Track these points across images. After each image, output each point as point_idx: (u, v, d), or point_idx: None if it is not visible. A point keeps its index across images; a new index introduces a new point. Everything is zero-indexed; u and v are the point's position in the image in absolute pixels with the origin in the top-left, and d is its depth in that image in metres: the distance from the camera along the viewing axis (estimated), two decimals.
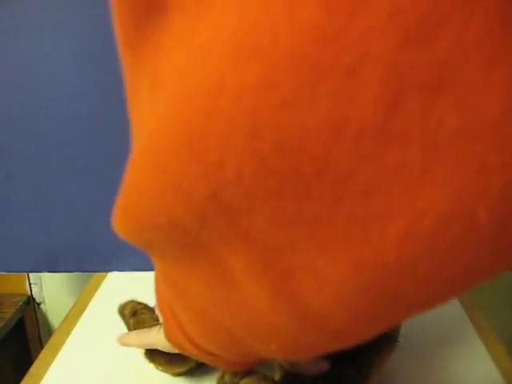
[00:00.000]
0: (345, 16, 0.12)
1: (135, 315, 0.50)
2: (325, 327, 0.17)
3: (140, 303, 0.52)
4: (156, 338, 0.42)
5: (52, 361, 0.54)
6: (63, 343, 0.57)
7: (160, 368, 0.48)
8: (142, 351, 0.48)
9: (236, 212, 0.15)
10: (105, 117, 0.67)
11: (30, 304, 1.06)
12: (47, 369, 0.53)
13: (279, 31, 0.12)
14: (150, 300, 0.50)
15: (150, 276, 0.69)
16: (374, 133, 0.13)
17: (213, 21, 0.14)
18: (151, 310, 0.51)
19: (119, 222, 0.20)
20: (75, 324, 0.61)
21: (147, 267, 0.72)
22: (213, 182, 0.15)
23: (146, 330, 0.46)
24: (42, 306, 1.08)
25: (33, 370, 0.54)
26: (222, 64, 0.13)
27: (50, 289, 1.06)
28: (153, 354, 0.48)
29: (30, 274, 1.05)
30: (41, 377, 0.52)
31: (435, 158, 0.13)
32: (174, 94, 0.15)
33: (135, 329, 0.48)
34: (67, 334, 0.59)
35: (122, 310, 0.52)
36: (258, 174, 0.14)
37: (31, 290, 1.07)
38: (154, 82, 0.16)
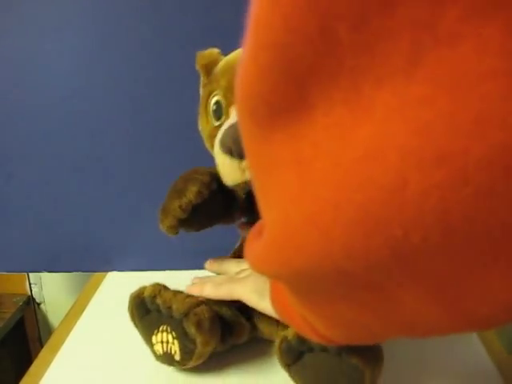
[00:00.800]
0: None
1: (159, 294, 0.48)
2: (484, 325, 0.21)
3: (158, 284, 0.50)
4: (247, 295, 0.46)
5: (51, 360, 0.54)
6: (63, 343, 0.57)
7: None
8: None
9: (415, 262, 0.18)
10: (105, 117, 0.68)
11: (30, 304, 1.06)
12: (46, 368, 0.53)
13: (467, 144, 0.15)
14: None
15: (149, 276, 0.69)
16: None
17: (374, 124, 0.16)
18: (168, 288, 0.50)
19: (266, 265, 0.24)
20: (75, 324, 0.61)
21: (147, 267, 0.73)
22: (396, 248, 0.17)
23: (223, 280, 0.49)
24: (41, 305, 1.08)
25: (32, 369, 0.54)
26: (402, 166, 0.16)
27: (50, 289, 1.06)
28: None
29: (30, 274, 1.05)
30: (40, 376, 0.52)
31: None
32: (336, 181, 0.18)
33: (158, 312, 0.48)
34: (67, 333, 0.59)
35: (136, 296, 0.49)
36: (445, 239, 0.16)
37: (31, 290, 1.07)
38: (298, 164, 0.19)
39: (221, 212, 0.51)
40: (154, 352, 0.49)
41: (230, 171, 0.45)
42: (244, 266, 0.51)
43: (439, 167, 0.15)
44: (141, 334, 0.50)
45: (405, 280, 0.19)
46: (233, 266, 0.53)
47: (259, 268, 0.25)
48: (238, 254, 0.56)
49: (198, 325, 0.46)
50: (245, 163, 0.44)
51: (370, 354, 0.42)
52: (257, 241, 0.25)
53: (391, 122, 0.16)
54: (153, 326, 0.48)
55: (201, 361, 0.49)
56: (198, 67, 0.51)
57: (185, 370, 0.51)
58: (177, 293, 0.48)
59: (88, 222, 0.72)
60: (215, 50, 0.50)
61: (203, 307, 0.48)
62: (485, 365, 0.50)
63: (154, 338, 0.48)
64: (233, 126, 0.44)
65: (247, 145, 0.23)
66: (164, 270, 0.72)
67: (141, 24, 0.64)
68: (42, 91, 0.67)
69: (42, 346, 0.60)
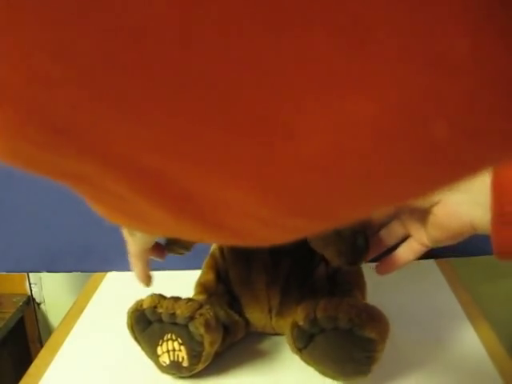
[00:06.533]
0: None
1: (159, 303, 0.47)
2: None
3: (154, 294, 0.49)
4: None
5: (51, 360, 0.54)
6: (62, 343, 0.57)
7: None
8: None
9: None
10: None
11: (30, 304, 1.06)
12: (46, 368, 0.53)
13: None
14: None
15: None
16: (259, 19, 0.10)
17: None
18: (165, 296, 0.49)
19: None
20: (74, 324, 0.61)
21: None
22: None
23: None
24: (42, 305, 1.08)
25: (32, 369, 0.54)
26: None
27: (50, 289, 1.06)
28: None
29: (30, 274, 1.05)
30: (40, 376, 0.52)
31: (358, 46, 0.10)
32: None
33: (160, 322, 0.47)
34: (67, 333, 0.59)
35: (135, 310, 0.48)
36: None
37: (31, 290, 1.07)
38: None
39: None
40: (159, 364, 0.49)
41: None
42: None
43: None
44: (144, 347, 0.50)
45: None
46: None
47: None
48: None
49: (207, 324, 0.46)
50: None
51: (380, 325, 0.43)
52: None
53: None
54: (156, 337, 0.48)
55: (207, 363, 0.49)
56: None
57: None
58: (177, 299, 0.48)
59: (88, 222, 0.72)
60: None
61: (206, 307, 0.48)
62: (485, 365, 0.50)
63: (159, 348, 0.48)
64: None
65: None
66: (164, 270, 0.72)
67: None
68: None
69: (42, 346, 0.60)
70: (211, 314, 0.48)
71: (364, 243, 0.47)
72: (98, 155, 0.13)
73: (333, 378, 0.47)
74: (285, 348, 0.54)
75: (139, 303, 0.49)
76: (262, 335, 0.55)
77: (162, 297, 0.48)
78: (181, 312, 0.46)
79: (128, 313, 0.49)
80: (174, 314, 0.47)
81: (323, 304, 0.45)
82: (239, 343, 0.53)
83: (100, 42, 0.10)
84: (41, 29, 0.10)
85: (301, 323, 0.45)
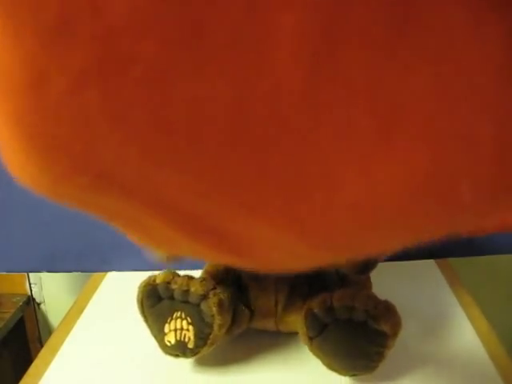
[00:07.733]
0: None
1: (173, 280, 0.47)
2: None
3: (169, 270, 0.49)
4: None
5: (51, 360, 0.54)
6: (63, 343, 0.57)
7: None
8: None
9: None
10: None
11: (30, 304, 1.06)
12: (46, 368, 0.53)
13: None
14: None
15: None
16: (297, 96, 0.11)
17: None
18: (179, 274, 0.49)
19: None
20: (74, 324, 0.61)
21: (147, 267, 0.73)
22: None
23: None
24: (42, 306, 1.08)
25: (32, 369, 0.54)
26: None
27: (50, 289, 1.06)
28: None
29: (30, 274, 1.05)
30: (40, 376, 0.52)
31: (393, 123, 0.11)
32: None
33: (171, 299, 0.47)
34: (67, 333, 0.59)
35: (147, 284, 0.48)
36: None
37: (31, 290, 1.07)
38: None
39: None
40: (163, 343, 0.48)
41: None
42: None
43: None
44: (151, 324, 0.49)
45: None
46: None
47: None
48: None
49: (220, 305, 0.46)
50: None
51: (394, 319, 0.43)
52: None
53: None
54: (165, 313, 0.47)
55: (212, 347, 0.48)
56: None
57: (184, 369, 0.51)
58: (191, 277, 0.48)
59: (88, 221, 0.72)
60: None
61: (220, 288, 0.48)
62: (485, 365, 0.50)
63: (166, 326, 0.47)
64: None
65: None
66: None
67: None
68: None
69: (42, 346, 0.60)
70: (225, 295, 0.48)
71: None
72: (140, 200, 0.15)
73: (338, 372, 0.47)
74: (285, 348, 0.54)
75: (152, 278, 0.48)
76: (264, 334, 0.55)
77: (175, 273, 0.48)
78: (195, 289, 0.46)
79: (140, 287, 0.49)
80: (187, 292, 0.46)
81: (340, 293, 0.45)
82: (241, 341, 0.53)
83: (155, 112, 0.12)
84: (102, 100, 0.11)
85: (316, 310, 0.45)
